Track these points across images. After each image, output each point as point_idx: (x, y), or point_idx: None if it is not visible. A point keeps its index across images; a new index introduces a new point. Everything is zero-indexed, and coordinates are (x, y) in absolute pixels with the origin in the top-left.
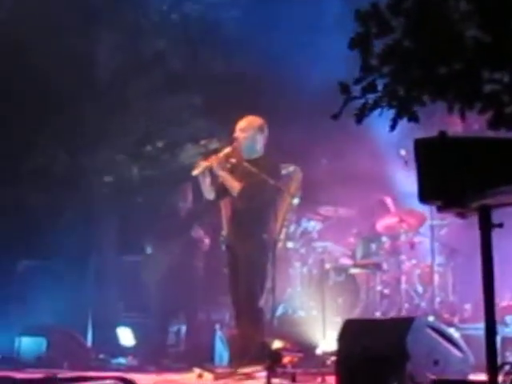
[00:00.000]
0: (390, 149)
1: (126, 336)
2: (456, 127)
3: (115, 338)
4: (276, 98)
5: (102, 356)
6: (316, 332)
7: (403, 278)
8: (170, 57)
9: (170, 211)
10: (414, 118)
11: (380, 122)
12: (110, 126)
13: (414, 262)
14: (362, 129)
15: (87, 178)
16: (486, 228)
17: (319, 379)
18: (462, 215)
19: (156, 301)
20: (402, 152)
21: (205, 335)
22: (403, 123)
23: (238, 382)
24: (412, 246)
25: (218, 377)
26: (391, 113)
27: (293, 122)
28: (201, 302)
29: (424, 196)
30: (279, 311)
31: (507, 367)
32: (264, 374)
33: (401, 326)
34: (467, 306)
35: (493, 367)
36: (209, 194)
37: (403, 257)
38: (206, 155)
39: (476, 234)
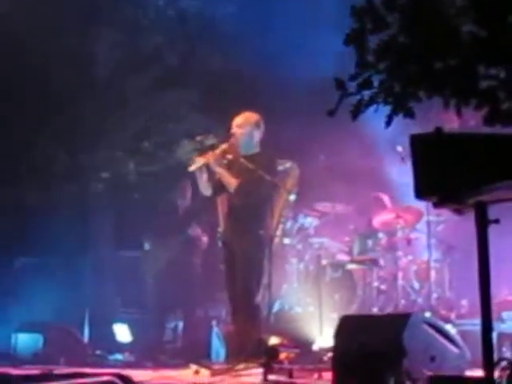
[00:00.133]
0: (387, 145)
1: (122, 332)
2: (452, 123)
3: (112, 334)
4: (273, 94)
5: (98, 352)
6: (313, 328)
7: (400, 274)
8: (168, 53)
9: (168, 208)
10: (409, 114)
11: (376, 118)
12: (108, 123)
13: (410, 258)
14: (359, 125)
15: (84, 175)
16: (482, 224)
17: (316, 375)
18: (458, 211)
19: (153, 297)
20: (399, 148)
21: (202, 331)
22: (400, 119)
23: (234, 378)
24: (409, 242)
25: (214, 373)
26: (387, 109)
27: (290, 117)
28: (198, 298)
29: (420, 192)
30: (276, 307)
31: (504, 363)
32: (261, 370)
33: (397, 322)
34: (464, 302)
35: (489, 363)
36: (205, 190)
37: (400, 253)
38: (203, 151)
39: (472, 230)
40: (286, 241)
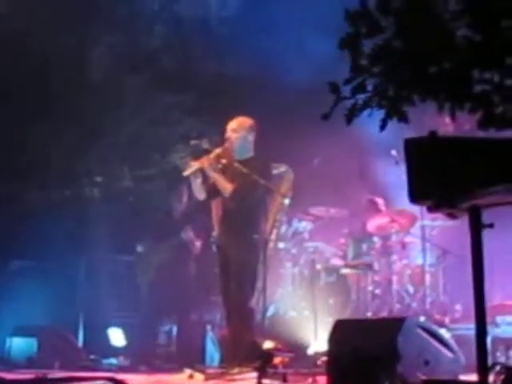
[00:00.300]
0: (381, 149)
1: (117, 336)
2: (447, 127)
3: (106, 338)
4: (267, 98)
5: (93, 356)
6: (307, 332)
7: (394, 279)
8: (163, 56)
9: (162, 212)
10: (403, 118)
11: (371, 122)
12: (103, 126)
13: (405, 262)
14: (353, 129)
15: (79, 178)
16: (477, 228)
17: (310, 379)
18: (452, 215)
19: (147, 301)
20: (393, 152)
21: (196, 336)
22: (394, 123)
23: (228, 382)
24: (403, 246)
25: (208, 377)
26: (382, 113)
27: (284, 121)
28: (192, 302)
29: (414, 196)
30: (270, 311)
31: (498, 367)
32: (255, 374)
33: (392, 326)
34: (458, 307)
35: (483, 367)
36: (199, 194)
37: (394, 257)
38: (198, 155)
39: (467, 235)
40: (281, 245)
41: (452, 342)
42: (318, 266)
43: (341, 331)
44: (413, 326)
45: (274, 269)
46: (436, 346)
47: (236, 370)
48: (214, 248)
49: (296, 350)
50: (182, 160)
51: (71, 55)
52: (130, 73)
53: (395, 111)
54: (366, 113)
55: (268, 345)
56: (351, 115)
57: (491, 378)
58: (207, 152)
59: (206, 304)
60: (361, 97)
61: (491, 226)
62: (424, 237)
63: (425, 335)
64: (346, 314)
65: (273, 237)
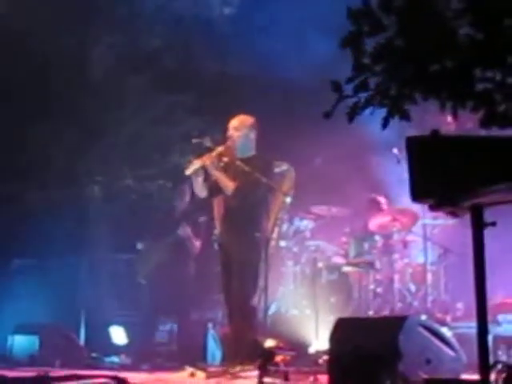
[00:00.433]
0: (383, 147)
1: (118, 335)
2: (449, 126)
3: (108, 336)
4: (269, 97)
5: (94, 354)
6: (309, 331)
7: (396, 277)
8: (164, 56)
9: (162, 210)
10: (405, 117)
11: (373, 120)
12: (104, 126)
13: (406, 260)
14: (355, 127)
15: (81, 177)
16: (478, 227)
17: (312, 378)
18: (454, 214)
19: (146, 299)
20: (395, 150)
21: (197, 334)
22: (396, 122)
23: (230, 380)
24: (405, 244)
25: (210, 375)
26: (384, 111)
27: (286, 120)
28: (192, 300)
29: (416, 195)
30: (272, 310)
31: (499, 366)
32: (256, 372)
33: (393, 325)
34: (459, 305)
35: (485, 366)
36: (201, 192)
37: (396, 256)
38: (199, 154)
39: (468, 233)
40: (282, 243)
41: (453, 341)
42: (320, 265)
43: (342, 330)
44: (414, 325)
45: (275, 267)
46: (437, 344)
47: (237, 369)
48: (215, 246)
49: (297, 348)
50: (184, 158)
51: (71, 55)
52: (131, 72)
53: (397, 110)
54: (367, 111)
55: (269, 343)
56: (353, 114)
57: (493, 376)
58: (209, 150)
59: (207, 302)
60: (363, 95)
61: (493, 224)
62: (425, 235)
63: (426, 334)
64: (348, 313)
65: (274, 235)
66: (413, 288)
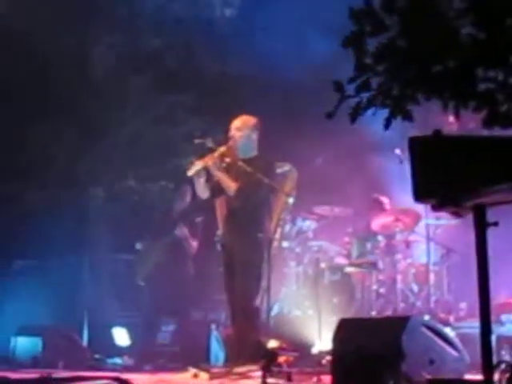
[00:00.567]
0: (385, 147)
1: (121, 336)
2: (451, 126)
3: (111, 338)
4: (270, 97)
5: (97, 356)
6: (311, 331)
7: (399, 277)
8: (166, 56)
9: (160, 210)
10: (407, 117)
11: (375, 120)
12: (105, 125)
13: (409, 261)
14: (357, 128)
15: (81, 178)
16: (481, 227)
17: (315, 378)
18: (456, 214)
19: (147, 299)
20: (397, 151)
21: (200, 335)
22: (399, 122)
23: (233, 381)
24: (407, 245)
25: (213, 376)
26: (386, 111)
27: (287, 120)
28: (192, 300)
29: (418, 195)
30: (275, 310)
31: (503, 366)
32: (260, 373)
33: (396, 325)
34: (462, 305)
35: (488, 366)
36: (203, 193)
37: (399, 256)
38: (201, 155)
39: (471, 233)
40: (285, 244)
41: (457, 341)
42: (322, 265)
43: (345, 330)
44: (417, 325)
45: (278, 268)
46: (441, 344)
47: (241, 369)
48: (218, 247)
49: (300, 349)
50: (185, 159)
51: (72, 55)
52: (132, 73)
53: (399, 110)
54: (370, 111)
55: (272, 344)
56: (355, 114)
57: (496, 376)
58: (211, 151)
59: (209, 303)
60: (365, 95)
61: (496, 224)
62: (428, 235)
63: (429, 334)
64: (351, 313)
65: (277, 236)
66: (416, 288)
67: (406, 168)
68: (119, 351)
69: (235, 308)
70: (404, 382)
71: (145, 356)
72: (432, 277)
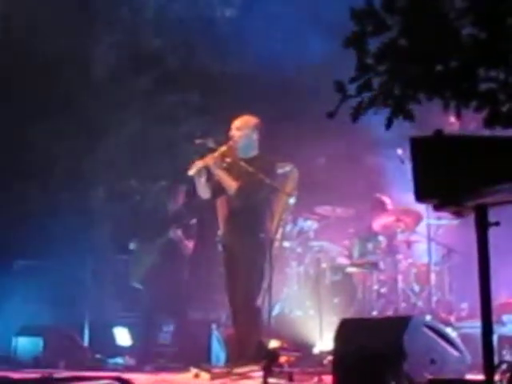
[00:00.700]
0: (387, 147)
1: (122, 336)
2: (452, 126)
3: (112, 337)
4: (272, 96)
5: (98, 356)
6: (313, 331)
7: (400, 277)
8: (167, 55)
9: (156, 211)
10: (409, 117)
11: (377, 120)
12: (106, 125)
13: (410, 261)
14: (359, 127)
15: (83, 178)
16: (483, 227)
17: (316, 379)
18: (458, 214)
19: (147, 300)
20: (399, 151)
21: (201, 335)
22: (400, 122)
23: (234, 381)
24: (409, 245)
25: (214, 377)
26: (388, 111)
27: (289, 120)
28: (189, 301)
29: (420, 195)
30: (276, 311)
31: (504, 366)
32: (261, 373)
33: (398, 325)
34: (464, 305)
35: (489, 366)
36: (204, 193)
37: (400, 256)
38: (202, 154)
39: (472, 233)
40: (286, 244)
41: (458, 341)
42: (324, 265)
43: (346, 330)
44: (419, 325)
45: (279, 268)
46: (442, 344)
47: (242, 370)
48: (219, 247)
49: (302, 349)
50: (187, 159)
51: (72, 55)
52: (133, 72)
53: (401, 110)
54: (371, 111)
55: (274, 344)
56: (357, 114)
57: (497, 376)
58: (212, 151)
59: (209, 303)
60: (366, 95)
61: (497, 224)
62: (429, 236)
63: (431, 334)
64: (352, 313)
65: (278, 236)
66: (417, 288)
67: (408, 168)
68: (120, 351)
69: (236, 308)
70: (405, 382)
71: (146, 356)
72: (433, 277)
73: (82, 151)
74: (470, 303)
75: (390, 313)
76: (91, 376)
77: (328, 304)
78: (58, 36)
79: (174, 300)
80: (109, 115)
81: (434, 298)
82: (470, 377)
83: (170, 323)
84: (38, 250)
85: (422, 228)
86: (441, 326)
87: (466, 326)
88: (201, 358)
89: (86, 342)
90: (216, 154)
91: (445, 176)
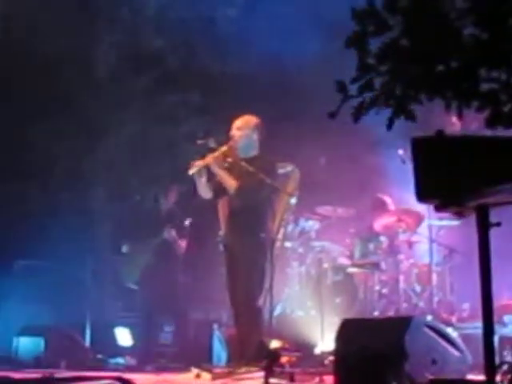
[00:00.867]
0: (388, 147)
1: (123, 336)
2: (453, 127)
3: (113, 338)
4: (272, 96)
5: (99, 356)
6: (314, 331)
7: (401, 278)
8: (168, 55)
9: (149, 211)
10: (410, 117)
11: (378, 120)
12: (107, 125)
13: (412, 261)
14: (360, 127)
15: (84, 178)
16: (484, 227)
17: (317, 379)
18: (459, 214)
19: (141, 301)
20: (400, 151)
21: (202, 335)
22: (401, 123)
23: (235, 381)
24: (410, 245)
25: (215, 377)
26: (389, 111)
27: (290, 120)
28: (186, 301)
29: (421, 195)
30: (277, 311)
31: (505, 367)
32: (262, 373)
33: (399, 326)
34: (465, 306)
35: (491, 367)
36: (205, 193)
37: (401, 256)
38: (203, 154)
39: (474, 233)
40: (288, 244)
41: (459, 341)
42: (325, 265)
43: (348, 330)
44: (420, 325)
45: (280, 268)
46: (443, 345)
47: (243, 370)
48: (221, 247)
49: (303, 349)
50: (187, 159)
51: (73, 55)
52: (133, 72)
53: (402, 110)
54: (372, 111)
55: (275, 344)
56: (358, 114)
57: (498, 377)
58: (213, 151)
59: (210, 303)
60: (368, 95)
61: (498, 224)
62: (431, 236)
63: (432, 334)
64: (353, 313)
65: (280, 236)
66: (418, 289)
67: (409, 168)
68: (121, 351)
69: (238, 308)
70: (407, 383)
71: (147, 356)
72: (435, 277)
73: (82, 151)
74: (471, 304)
75: (391, 313)
76: (92, 376)
77: (329, 304)
78: (58, 36)
79: (171, 300)
80: (109, 115)
81: (436, 299)
82: (471, 377)
83: (171, 323)
84: (37, 250)
85: (423, 228)
86: (442, 327)
87: (467, 327)
88: (202, 358)
89: (87, 342)
90: (216, 154)
91: (446, 176)
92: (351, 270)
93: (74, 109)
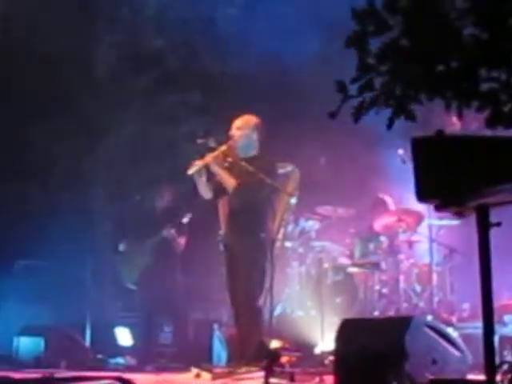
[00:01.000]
0: (388, 147)
1: (123, 336)
2: (453, 127)
3: (113, 337)
4: (272, 96)
5: (100, 356)
6: (314, 331)
7: (401, 278)
8: (168, 55)
9: (146, 210)
10: (410, 117)
11: (378, 120)
12: (107, 125)
13: (412, 261)
14: (360, 127)
15: (84, 178)
16: (484, 227)
17: (317, 379)
18: (459, 214)
19: (141, 301)
20: (400, 151)
21: (202, 335)
22: (402, 122)
23: (236, 381)
24: (410, 245)
25: (215, 376)
26: (390, 111)
27: (290, 120)
28: (185, 301)
29: (421, 195)
30: (277, 311)
31: (505, 366)
32: (262, 373)
33: (399, 325)
34: (465, 306)
35: (491, 366)
36: (205, 193)
37: (401, 256)
38: (203, 154)
39: (474, 233)
40: (288, 244)
41: (459, 341)
42: (325, 265)
43: (348, 330)
44: (420, 325)
45: (280, 268)
46: (443, 345)
47: (243, 370)
48: (221, 247)
49: (303, 349)
50: (187, 159)
51: (73, 55)
52: (134, 72)
53: (402, 110)
54: (372, 111)
55: (275, 344)
56: (358, 114)
57: (498, 377)
58: (213, 150)
59: (210, 303)
60: (368, 95)
61: (499, 224)
62: (431, 236)
63: (432, 334)
64: (353, 313)
65: (280, 236)
66: (418, 288)
67: (409, 168)
68: (121, 351)
69: (238, 308)
70: (407, 383)
71: (147, 356)
72: (435, 277)
73: (82, 151)
74: (471, 303)
75: (391, 313)
76: (92, 376)
77: (330, 304)
78: (58, 36)
79: (171, 300)
80: (109, 115)
81: (436, 299)
82: (471, 377)
83: (170, 323)
84: (37, 250)
85: (423, 228)
86: (442, 327)
87: (467, 327)
88: (202, 358)
89: (87, 342)
90: (216, 153)
91: (446, 176)
92: (351, 269)
93: (74, 109)
